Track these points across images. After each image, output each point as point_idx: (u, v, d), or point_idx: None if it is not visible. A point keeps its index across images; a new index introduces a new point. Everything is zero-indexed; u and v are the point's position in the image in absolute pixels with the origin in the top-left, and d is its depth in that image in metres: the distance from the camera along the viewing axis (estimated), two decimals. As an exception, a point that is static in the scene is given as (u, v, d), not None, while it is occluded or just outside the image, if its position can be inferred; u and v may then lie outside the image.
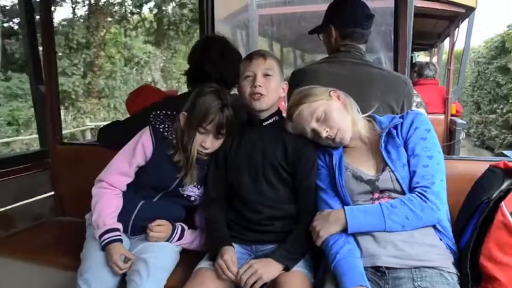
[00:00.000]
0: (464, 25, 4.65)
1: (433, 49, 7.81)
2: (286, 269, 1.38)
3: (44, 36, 2.28)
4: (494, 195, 1.28)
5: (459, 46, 5.37)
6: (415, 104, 3.26)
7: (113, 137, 1.95)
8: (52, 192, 2.33)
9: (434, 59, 7.56)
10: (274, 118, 1.55)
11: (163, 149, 1.59)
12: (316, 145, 1.49)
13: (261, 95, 1.47)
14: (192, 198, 1.66)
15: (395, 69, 2.16)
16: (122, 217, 1.60)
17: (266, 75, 1.48)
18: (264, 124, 1.54)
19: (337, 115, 1.42)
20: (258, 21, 4.55)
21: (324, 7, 1.89)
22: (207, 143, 1.54)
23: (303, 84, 1.54)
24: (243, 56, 1.69)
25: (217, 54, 1.76)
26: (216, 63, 1.74)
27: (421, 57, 10.29)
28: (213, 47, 1.79)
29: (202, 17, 2.53)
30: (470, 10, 4.43)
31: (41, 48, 2.36)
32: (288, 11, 4.69)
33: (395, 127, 1.42)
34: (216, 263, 1.41)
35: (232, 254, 1.40)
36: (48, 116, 2.32)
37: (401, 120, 1.43)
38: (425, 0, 4.01)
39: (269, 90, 1.48)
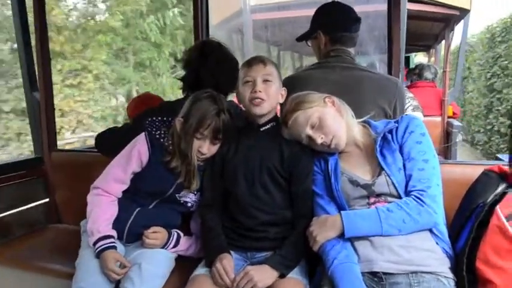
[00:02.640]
0: (459, 27, 4.69)
1: (431, 50, 7.84)
2: (282, 276, 1.38)
3: (37, 41, 2.27)
4: (489, 199, 1.28)
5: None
6: (411, 107, 3.25)
7: (110, 144, 1.94)
8: (47, 199, 2.32)
9: (432, 60, 7.60)
10: (271, 124, 1.54)
11: (159, 155, 1.58)
12: (312, 151, 1.48)
13: (262, 100, 1.47)
14: (189, 204, 1.65)
15: (389, 72, 2.16)
16: (118, 224, 1.58)
17: (266, 80, 1.48)
18: (261, 129, 1.54)
19: (331, 122, 1.41)
20: (252, 26, 4.55)
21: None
22: (204, 148, 1.53)
23: (295, 91, 1.53)
24: (240, 61, 1.68)
25: (214, 61, 1.75)
26: (212, 70, 1.74)
27: (420, 57, 10.27)
28: (209, 53, 1.78)
29: (197, 22, 2.52)
30: (464, 12, 4.45)
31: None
32: (282, 16, 4.69)
33: (390, 131, 1.42)
34: (213, 268, 1.40)
35: (230, 261, 1.40)
36: (43, 122, 2.31)
37: (396, 124, 1.42)
38: (418, 3, 4.03)
39: (269, 95, 1.48)
